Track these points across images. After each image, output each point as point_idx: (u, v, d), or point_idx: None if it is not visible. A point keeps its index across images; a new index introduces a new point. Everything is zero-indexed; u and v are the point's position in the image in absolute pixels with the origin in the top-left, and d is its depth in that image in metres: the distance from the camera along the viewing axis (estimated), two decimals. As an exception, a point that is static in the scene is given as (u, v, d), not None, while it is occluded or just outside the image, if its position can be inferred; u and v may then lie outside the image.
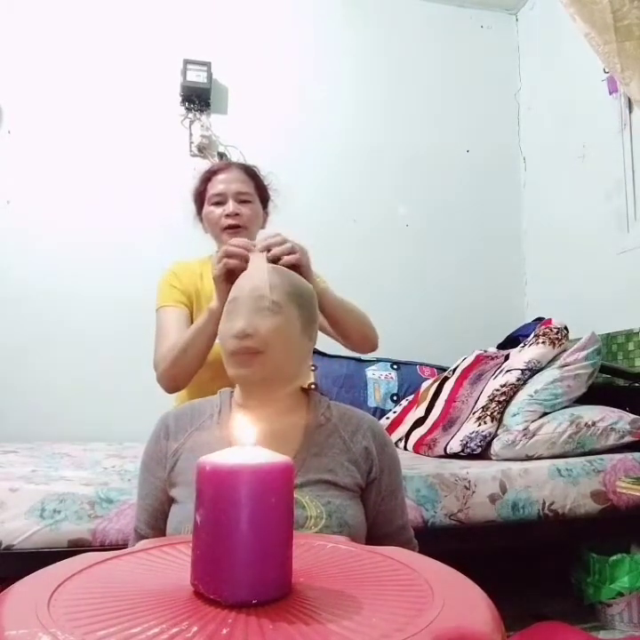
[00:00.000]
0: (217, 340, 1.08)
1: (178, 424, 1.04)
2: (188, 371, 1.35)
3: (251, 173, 1.58)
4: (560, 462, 1.80)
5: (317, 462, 0.97)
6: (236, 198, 1.52)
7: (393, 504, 1.03)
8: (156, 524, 1.01)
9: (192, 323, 1.46)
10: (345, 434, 1.02)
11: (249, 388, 1.01)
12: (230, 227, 1.51)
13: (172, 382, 1.39)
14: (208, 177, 1.58)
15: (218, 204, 1.53)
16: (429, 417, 2.25)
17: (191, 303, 1.54)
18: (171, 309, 1.52)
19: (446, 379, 2.36)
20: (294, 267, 1.11)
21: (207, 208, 1.56)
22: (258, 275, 1.02)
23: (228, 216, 1.51)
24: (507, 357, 2.23)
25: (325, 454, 0.99)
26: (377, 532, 1.00)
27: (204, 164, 2.84)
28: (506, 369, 2.13)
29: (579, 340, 2.11)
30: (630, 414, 1.97)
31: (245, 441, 0.59)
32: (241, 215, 1.52)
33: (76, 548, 1.36)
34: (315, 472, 0.96)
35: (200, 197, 1.59)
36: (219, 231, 1.54)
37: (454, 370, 2.40)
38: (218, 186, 1.54)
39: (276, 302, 0.97)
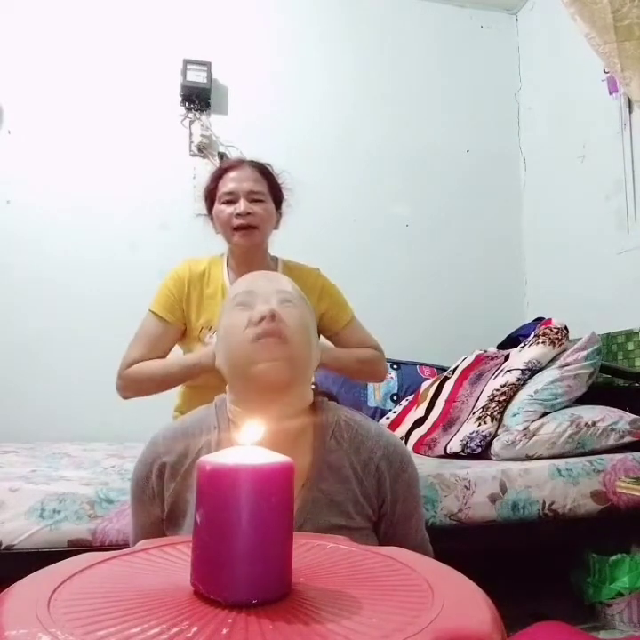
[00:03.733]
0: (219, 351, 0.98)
1: (172, 459, 0.93)
2: (140, 394, 1.43)
3: (264, 172, 1.51)
4: (560, 462, 1.80)
5: (329, 503, 0.89)
6: (247, 197, 1.46)
7: (406, 527, 0.96)
8: None
9: (171, 339, 1.50)
10: (357, 464, 0.92)
11: (259, 397, 0.89)
12: (241, 227, 1.45)
13: (123, 395, 1.47)
14: (219, 174, 1.51)
15: (229, 202, 1.46)
16: (429, 417, 2.25)
17: (182, 313, 1.51)
18: (156, 320, 1.50)
19: (446, 379, 2.36)
20: None
21: (218, 207, 1.49)
22: (272, 273, 1.00)
23: (239, 215, 1.45)
24: (507, 357, 2.23)
25: (338, 492, 0.90)
26: None
27: (203, 164, 2.87)
28: (506, 369, 2.13)
29: (579, 340, 2.11)
30: (630, 414, 1.97)
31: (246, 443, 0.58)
32: (253, 215, 1.45)
33: (75, 548, 1.36)
34: (327, 515, 0.88)
35: (211, 195, 1.52)
36: (229, 231, 1.47)
37: (454, 370, 2.40)
38: (229, 184, 1.47)
39: (294, 296, 0.93)
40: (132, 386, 1.43)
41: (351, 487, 0.90)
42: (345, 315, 1.57)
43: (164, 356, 1.48)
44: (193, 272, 1.53)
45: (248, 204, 1.45)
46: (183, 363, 1.42)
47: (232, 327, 0.91)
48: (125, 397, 1.46)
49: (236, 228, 1.45)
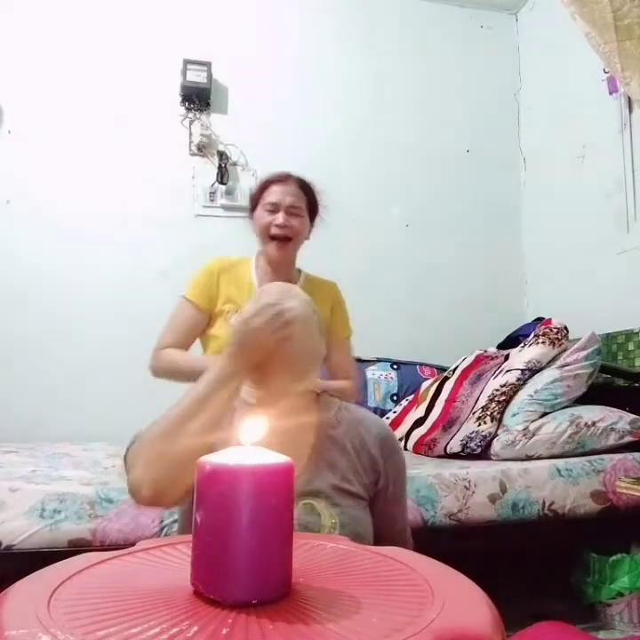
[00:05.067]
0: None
1: None
2: (168, 379, 1.57)
3: (306, 189, 1.67)
4: (560, 462, 1.80)
5: (332, 468, 0.97)
6: (287, 211, 1.62)
7: (396, 510, 1.04)
8: None
9: (201, 327, 1.64)
10: (355, 441, 1.01)
11: (264, 377, 0.96)
12: (277, 237, 1.62)
13: (154, 375, 1.61)
14: (266, 185, 1.67)
15: (270, 211, 1.62)
16: (429, 417, 2.25)
17: (212, 302, 1.65)
18: (190, 307, 1.64)
19: (446, 379, 2.36)
20: None
21: (260, 212, 1.64)
22: (290, 288, 1.05)
23: (277, 226, 1.61)
24: (507, 357, 2.23)
25: (339, 460, 0.98)
26: (377, 533, 1.00)
27: (203, 163, 2.87)
28: (506, 369, 2.13)
29: (579, 340, 2.11)
30: (630, 414, 1.97)
31: (257, 443, 0.59)
32: (289, 227, 1.62)
33: (76, 547, 1.36)
34: (331, 478, 0.96)
35: (255, 201, 1.68)
36: (265, 237, 1.63)
37: (454, 370, 2.40)
38: (273, 195, 1.63)
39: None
40: (163, 373, 1.59)
41: (350, 458, 0.99)
42: (343, 331, 1.73)
43: (194, 341, 1.65)
44: (223, 264, 1.69)
45: (286, 217, 1.61)
46: (202, 363, 1.49)
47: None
48: (156, 377, 1.61)
49: (273, 237, 1.62)
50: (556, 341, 2.10)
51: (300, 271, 1.75)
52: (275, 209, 1.62)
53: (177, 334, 1.62)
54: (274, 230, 1.61)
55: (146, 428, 0.96)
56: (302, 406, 1.01)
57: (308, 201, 1.68)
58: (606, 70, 2.26)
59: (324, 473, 0.96)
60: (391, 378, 2.62)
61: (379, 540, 0.99)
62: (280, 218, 1.61)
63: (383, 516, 1.01)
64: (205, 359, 1.57)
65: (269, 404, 0.96)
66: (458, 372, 2.35)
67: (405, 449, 2.26)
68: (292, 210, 1.63)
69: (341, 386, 1.61)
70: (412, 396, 2.50)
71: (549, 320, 2.21)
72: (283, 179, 1.66)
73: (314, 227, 1.72)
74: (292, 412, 0.97)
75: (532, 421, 1.92)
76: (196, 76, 2.80)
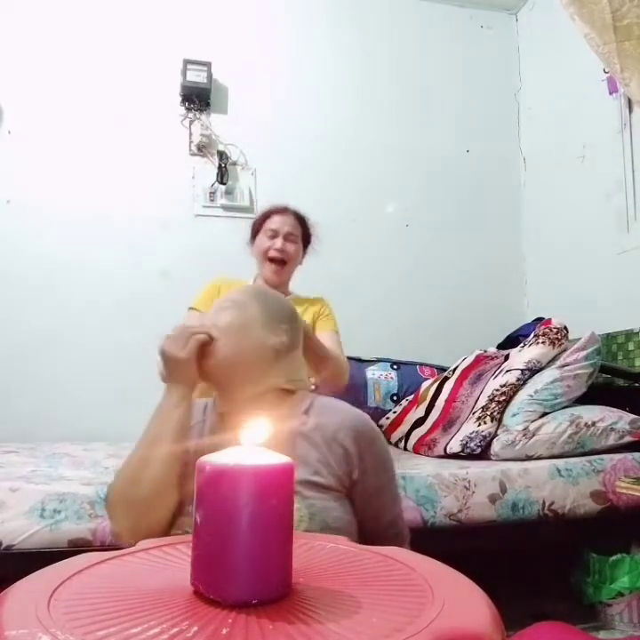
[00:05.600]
0: None
1: None
2: None
3: (301, 221, 1.94)
4: (560, 462, 1.80)
5: (302, 463, 0.97)
6: (285, 237, 1.87)
7: (380, 501, 1.03)
8: None
9: None
10: (326, 434, 1.01)
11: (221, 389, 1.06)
12: (275, 260, 1.86)
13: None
14: (267, 215, 1.93)
15: (270, 237, 1.87)
16: (429, 417, 2.25)
17: None
18: (196, 313, 1.77)
19: (446, 379, 2.36)
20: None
21: (261, 238, 1.90)
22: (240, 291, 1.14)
23: (275, 250, 1.85)
24: (507, 357, 2.23)
25: (309, 455, 0.99)
26: (365, 526, 1.00)
27: (203, 163, 2.87)
28: (506, 369, 2.13)
29: (579, 340, 2.11)
30: (630, 414, 1.97)
31: (237, 442, 0.59)
32: (287, 252, 1.87)
33: (76, 547, 1.36)
34: (301, 473, 0.96)
35: (256, 229, 1.93)
36: (264, 260, 1.88)
37: (454, 370, 2.40)
38: (274, 223, 1.89)
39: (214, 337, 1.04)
40: None
41: (321, 451, 1.00)
42: (328, 324, 1.89)
43: None
44: (224, 280, 1.90)
45: (284, 242, 1.87)
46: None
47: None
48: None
49: (271, 260, 1.86)
50: (556, 341, 2.10)
51: (291, 293, 1.96)
52: (274, 235, 1.87)
53: None
54: (272, 253, 1.85)
55: (114, 477, 1.03)
56: (270, 405, 1.02)
57: (303, 231, 1.93)
58: (606, 70, 2.26)
59: (297, 468, 0.96)
60: (391, 378, 2.62)
61: (366, 532, 0.99)
62: (278, 243, 1.85)
63: (367, 509, 1.01)
64: None
65: (237, 409, 1.00)
66: (458, 372, 2.35)
67: (405, 449, 2.26)
68: (290, 237, 1.88)
69: (335, 356, 1.67)
70: (412, 396, 2.50)
71: (549, 320, 2.20)
72: (281, 210, 1.92)
73: (306, 254, 1.97)
74: (259, 412, 0.97)
75: (532, 421, 1.92)
76: (196, 76, 2.80)
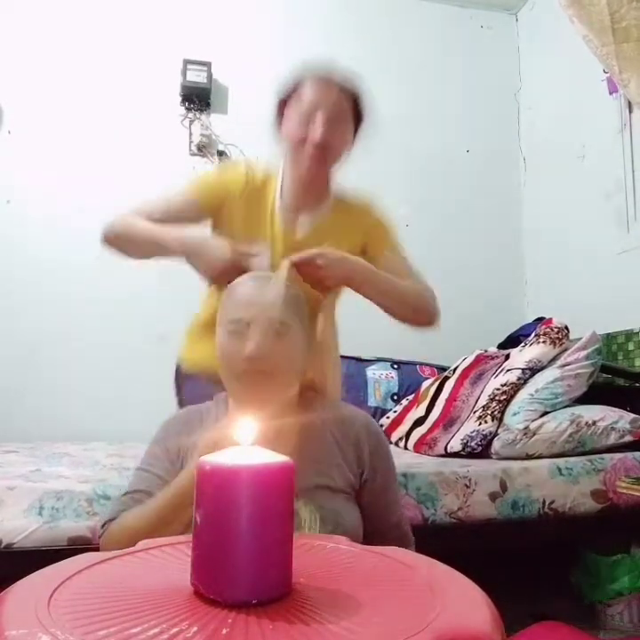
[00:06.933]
0: (219, 355, 1.03)
1: (188, 424, 1.04)
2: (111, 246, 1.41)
3: (350, 92, 1.32)
4: (560, 461, 1.80)
5: (312, 466, 0.97)
6: (326, 122, 1.26)
7: (385, 502, 1.04)
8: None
9: (190, 215, 1.36)
10: (339, 435, 1.02)
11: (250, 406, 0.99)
12: (312, 159, 1.28)
13: (104, 241, 1.43)
14: (301, 83, 1.31)
15: (304, 121, 1.27)
16: (430, 416, 2.25)
17: (216, 207, 1.35)
18: (187, 193, 1.38)
19: (447, 378, 2.36)
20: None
21: (290, 118, 1.30)
22: (270, 292, 1.00)
23: (311, 142, 1.26)
24: (507, 357, 2.23)
25: (321, 457, 0.99)
26: (370, 527, 1.01)
27: (203, 163, 2.87)
28: (506, 368, 2.13)
29: (579, 339, 2.10)
30: (630, 414, 1.97)
31: (243, 441, 0.59)
32: (327, 145, 1.27)
33: (75, 545, 1.36)
34: (310, 477, 0.96)
35: (284, 100, 1.34)
36: (296, 152, 1.30)
37: (455, 369, 2.40)
38: (309, 99, 1.27)
39: (285, 323, 0.98)
40: (114, 239, 1.42)
41: (333, 453, 1.00)
42: (384, 248, 1.43)
43: (168, 222, 1.34)
44: (252, 182, 1.36)
45: (324, 130, 1.26)
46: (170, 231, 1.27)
47: (225, 351, 0.99)
48: (104, 245, 1.45)
49: (306, 151, 1.28)
50: (557, 341, 2.10)
51: (330, 193, 1.44)
52: (310, 118, 1.26)
53: (155, 206, 1.36)
54: (308, 149, 1.27)
55: (117, 521, 0.96)
56: (284, 408, 1.01)
57: (354, 107, 1.33)
58: (606, 71, 2.26)
59: (307, 472, 0.96)
60: (391, 377, 2.62)
61: (373, 533, 1.00)
62: (316, 132, 1.25)
63: (374, 508, 1.02)
64: (168, 231, 1.27)
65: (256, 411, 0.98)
66: (458, 371, 2.35)
67: (406, 448, 2.26)
68: (333, 122, 1.27)
69: (414, 289, 1.37)
70: (413, 395, 2.50)
71: (550, 320, 2.20)
72: (323, 78, 1.31)
73: (358, 137, 1.40)
74: (275, 414, 0.97)
75: (533, 420, 1.92)
76: (196, 76, 2.80)
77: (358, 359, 2.57)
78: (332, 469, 0.98)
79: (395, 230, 1.48)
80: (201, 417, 1.06)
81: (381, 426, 2.41)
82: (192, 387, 1.37)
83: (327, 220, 1.39)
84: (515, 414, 1.97)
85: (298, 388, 1.05)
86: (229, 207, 1.34)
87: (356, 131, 1.37)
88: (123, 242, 1.34)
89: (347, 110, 1.31)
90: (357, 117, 1.36)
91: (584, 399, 2.05)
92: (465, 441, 1.97)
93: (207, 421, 1.03)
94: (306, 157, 1.28)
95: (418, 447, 2.17)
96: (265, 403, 0.98)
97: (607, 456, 1.84)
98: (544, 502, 1.71)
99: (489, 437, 1.95)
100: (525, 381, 2.06)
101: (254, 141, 2.89)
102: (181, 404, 1.39)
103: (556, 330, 2.13)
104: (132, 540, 0.77)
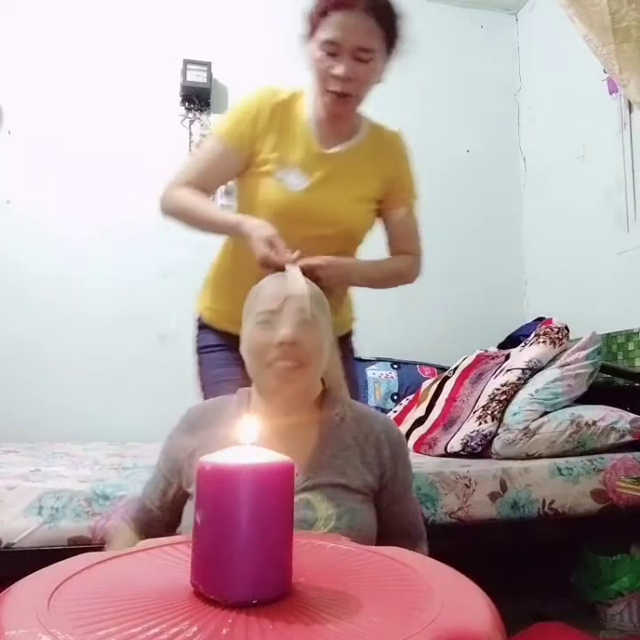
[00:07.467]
0: (244, 346, 1.03)
1: (203, 420, 1.04)
2: (176, 220, 1.35)
3: (383, 18, 1.24)
4: (560, 461, 1.80)
5: (331, 464, 0.98)
6: (354, 54, 1.19)
7: (404, 505, 1.04)
8: (161, 504, 1.03)
9: (229, 168, 1.35)
10: (359, 436, 1.02)
11: (278, 399, 1.00)
12: (336, 93, 1.23)
13: (161, 211, 1.38)
14: (325, 9, 1.20)
15: (329, 54, 1.20)
16: (430, 416, 2.25)
17: (250, 142, 1.32)
18: (219, 144, 1.33)
19: (447, 378, 2.36)
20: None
21: (316, 52, 1.23)
22: (295, 286, 1.00)
23: (337, 77, 1.21)
24: (507, 357, 2.23)
25: (339, 456, 0.99)
26: (386, 529, 1.01)
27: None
28: (506, 368, 2.13)
29: (579, 339, 2.11)
30: (631, 414, 1.97)
31: (258, 439, 0.59)
32: (353, 81, 1.21)
33: (76, 545, 1.36)
34: (328, 475, 0.96)
35: (311, 28, 1.27)
36: (322, 87, 1.25)
37: (455, 369, 2.40)
38: (334, 31, 1.19)
39: (314, 315, 0.98)
40: (170, 210, 1.34)
41: (352, 453, 1.00)
42: (408, 193, 1.48)
43: (220, 184, 1.44)
44: (275, 100, 1.32)
45: (351, 64, 1.20)
46: (225, 217, 1.29)
47: (255, 341, 0.98)
48: (164, 216, 1.37)
49: (332, 91, 1.23)
50: (557, 341, 2.10)
51: (360, 119, 1.40)
52: (336, 51, 1.19)
53: (198, 171, 1.33)
54: (332, 83, 1.21)
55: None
56: (305, 405, 1.02)
57: (386, 34, 1.25)
58: (606, 71, 2.26)
59: (325, 469, 0.97)
60: (391, 377, 2.62)
61: (389, 535, 0.99)
62: (342, 67, 1.19)
63: (394, 508, 1.02)
64: (228, 216, 1.29)
65: (275, 410, 0.99)
66: (458, 371, 2.35)
67: (405, 449, 2.26)
68: (361, 54, 1.20)
69: (399, 267, 1.40)
70: (413, 395, 2.50)
71: (550, 320, 2.20)
72: (350, 3, 1.18)
73: (390, 61, 1.33)
74: (296, 410, 1.00)
75: (533, 420, 1.92)
76: (196, 76, 2.80)
77: (358, 359, 2.57)
78: (349, 469, 0.98)
79: (415, 178, 1.50)
80: (222, 409, 1.05)
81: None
82: (207, 337, 1.43)
83: (362, 140, 1.40)
84: (515, 414, 1.97)
85: (320, 386, 1.06)
86: (266, 127, 1.30)
87: (389, 53, 1.30)
88: (183, 217, 1.33)
89: (376, 38, 1.23)
90: (390, 42, 1.30)
91: (584, 399, 2.05)
92: (465, 441, 1.97)
93: (225, 416, 1.02)
94: (330, 94, 1.24)
95: (418, 447, 2.17)
96: (293, 396, 0.99)
97: (607, 456, 1.84)
98: (544, 502, 1.71)
99: (489, 437, 1.95)
100: (525, 381, 2.06)
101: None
102: (198, 352, 1.44)
103: (555, 330, 2.13)
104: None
